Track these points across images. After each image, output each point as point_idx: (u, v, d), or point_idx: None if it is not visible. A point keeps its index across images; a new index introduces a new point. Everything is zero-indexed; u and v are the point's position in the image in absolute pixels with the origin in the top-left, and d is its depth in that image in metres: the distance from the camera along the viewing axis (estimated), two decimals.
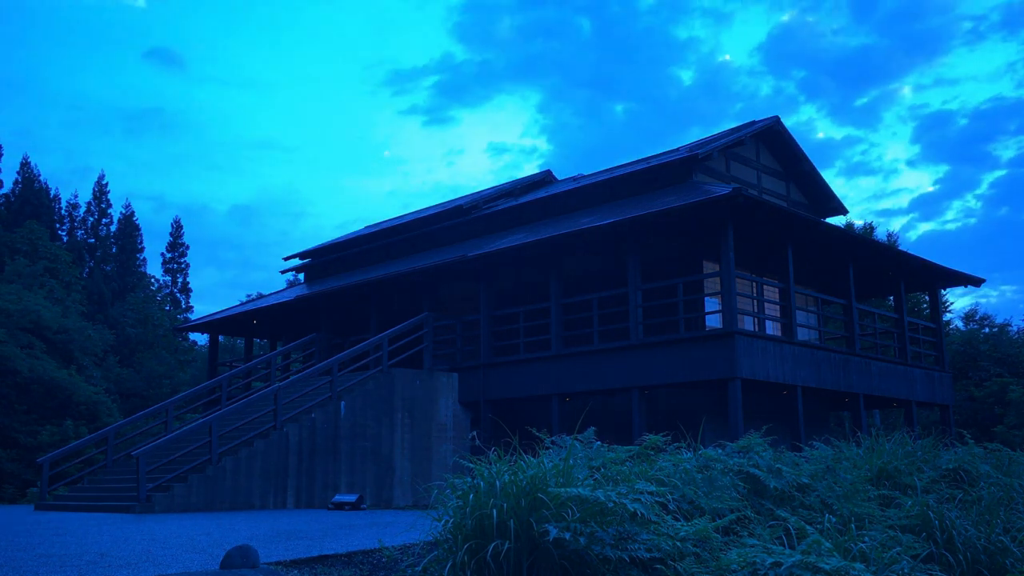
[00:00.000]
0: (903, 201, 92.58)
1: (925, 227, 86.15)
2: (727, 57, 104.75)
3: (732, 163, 19.85)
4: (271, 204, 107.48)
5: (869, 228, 35.29)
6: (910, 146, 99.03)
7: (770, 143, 20.87)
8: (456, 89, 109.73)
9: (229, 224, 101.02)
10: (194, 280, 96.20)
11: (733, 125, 21.90)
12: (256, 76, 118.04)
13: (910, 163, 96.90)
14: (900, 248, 25.08)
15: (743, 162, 20.17)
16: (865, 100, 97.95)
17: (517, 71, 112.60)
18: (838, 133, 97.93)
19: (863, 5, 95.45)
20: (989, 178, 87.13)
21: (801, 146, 21.03)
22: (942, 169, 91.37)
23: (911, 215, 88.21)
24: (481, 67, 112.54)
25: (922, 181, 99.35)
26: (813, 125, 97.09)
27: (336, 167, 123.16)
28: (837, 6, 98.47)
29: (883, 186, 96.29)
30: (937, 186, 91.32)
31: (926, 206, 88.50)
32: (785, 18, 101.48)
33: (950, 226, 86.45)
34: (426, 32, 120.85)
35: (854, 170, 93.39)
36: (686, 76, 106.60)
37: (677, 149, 20.58)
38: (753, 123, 20.78)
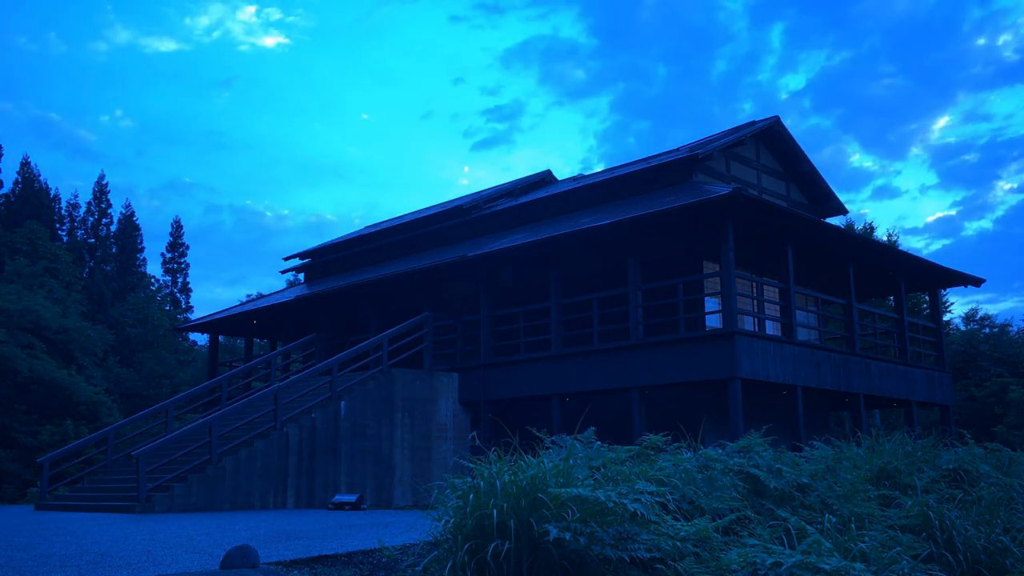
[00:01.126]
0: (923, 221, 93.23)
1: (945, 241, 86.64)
2: (784, 96, 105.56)
3: (732, 163, 19.85)
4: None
5: (869, 228, 35.29)
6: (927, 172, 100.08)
7: (770, 143, 20.87)
8: (514, 115, 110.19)
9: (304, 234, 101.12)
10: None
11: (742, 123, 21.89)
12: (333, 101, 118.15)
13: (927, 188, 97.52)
14: (900, 248, 25.08)
15: (743, 162, 20.18)
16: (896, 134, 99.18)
17: (581, 100, 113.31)
18: (869, 162, 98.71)
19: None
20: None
21: (803, 149, 21.04)
22: (960, 194, 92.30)
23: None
24: (548, 97, 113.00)
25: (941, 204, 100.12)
26: (846, 154, 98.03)
27: (416, 193, 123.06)
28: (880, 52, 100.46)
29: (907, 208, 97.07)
30: (956, 208, 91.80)
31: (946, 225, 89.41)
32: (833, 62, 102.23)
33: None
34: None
35: (881, 192, 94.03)
36: (746, 107, 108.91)
37: (677, 149, 20.58)
38: (753, 123, 20.78)
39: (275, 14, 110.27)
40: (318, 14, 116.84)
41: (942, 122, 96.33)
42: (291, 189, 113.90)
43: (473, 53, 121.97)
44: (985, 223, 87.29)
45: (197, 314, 50.34)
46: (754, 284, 17.11)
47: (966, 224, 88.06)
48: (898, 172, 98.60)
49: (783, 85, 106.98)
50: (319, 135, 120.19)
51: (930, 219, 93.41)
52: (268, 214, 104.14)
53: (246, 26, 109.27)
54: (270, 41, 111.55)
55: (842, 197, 21.15)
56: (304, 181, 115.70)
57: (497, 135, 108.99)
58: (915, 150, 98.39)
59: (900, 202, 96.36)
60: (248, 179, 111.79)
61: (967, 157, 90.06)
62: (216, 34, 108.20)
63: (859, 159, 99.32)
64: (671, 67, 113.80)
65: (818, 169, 21.37)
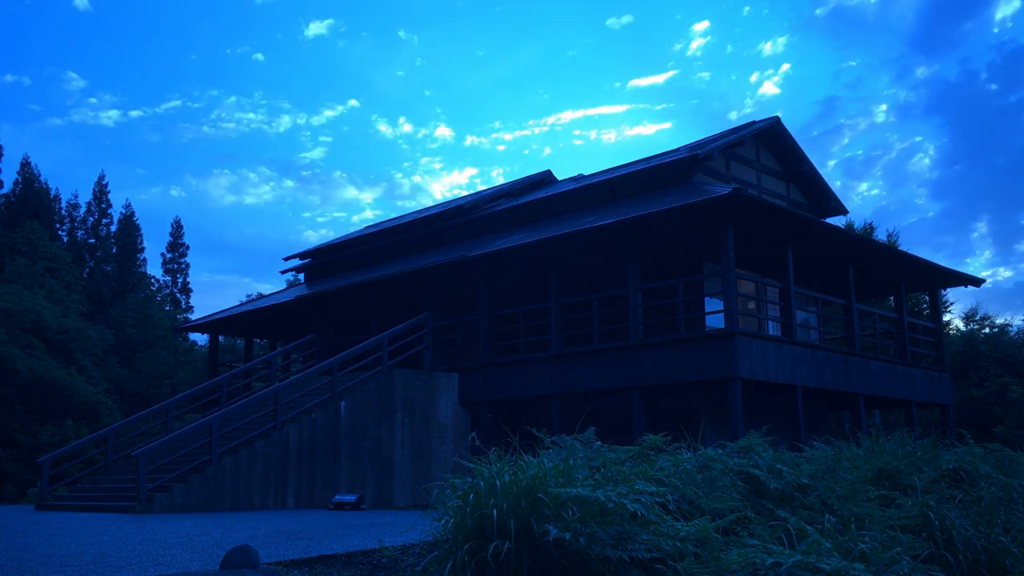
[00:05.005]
0: None
1: None
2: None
3: (732, 163, 19.85)
4: None
5: (869, 228, 35.27)
6: None
7: (770, 143, 20.88)
8: None
9: None
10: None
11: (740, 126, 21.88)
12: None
13: None
14: (900, 248, 25.08)
15: (743, 162, 20.18)
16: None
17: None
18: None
19: None
20: None
21: (803, 148, 21.05)
22: None
23: None
24: None
25: None
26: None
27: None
28: None
29: None
30: None
31: None
32: None
33: None
34: None
35: None
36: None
37: (677, 149, 20.59)
38: (753, 123, 20.79)
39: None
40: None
41: None
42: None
43: None
44: None
45: (197, 313, 50.38)
46: (754, 284, 17.12)
47: None
48: None
49: None
50: None
51: None
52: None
53: None
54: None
55: None
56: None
57: None
58: None
59: None
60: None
61: None
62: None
63: None
64: None
65: (818, 169, 21.39)
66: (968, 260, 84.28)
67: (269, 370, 21.77)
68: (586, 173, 23.83)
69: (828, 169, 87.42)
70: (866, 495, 7.32)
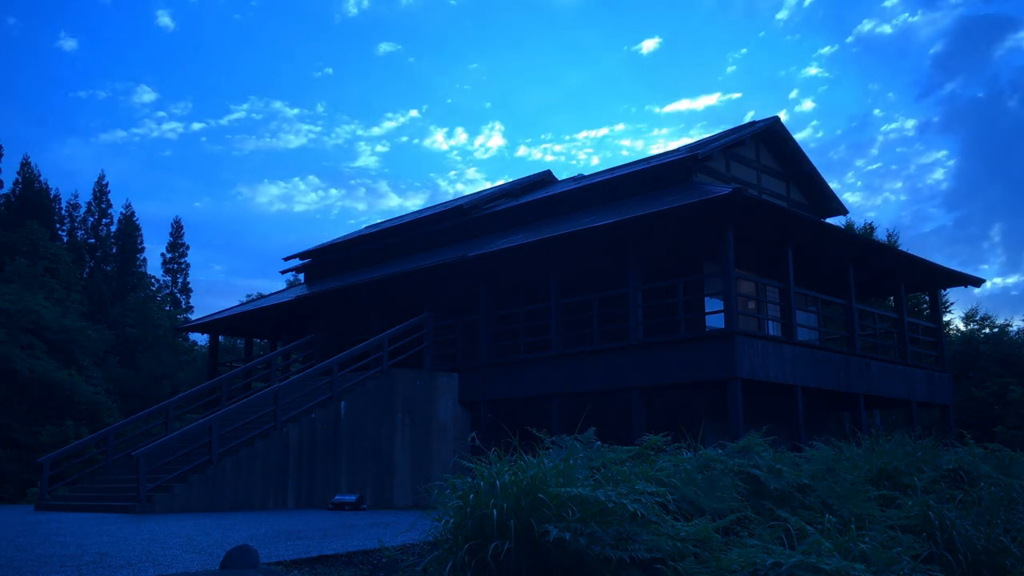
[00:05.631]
0: None
1: None
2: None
3: (732, 163, 19.85)
4: None
5: (869, 228, 35.27)
6: None
7: (770, 143, 20.87)
8: None
9: None
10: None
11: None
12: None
13: None
14: (900, 248, 25.07)
15: (743, 162, 20.17)
16: None
17: None
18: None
19: None
20: None
21: (802, 147, 21.04)
22: None
23: None
24: None
25: None
26: None
27: None
28: None
29: None
30: None
31: None
32: None
33: None
34: None
35: None
36: None
37: (677, 149, 20.59)
38: (753, 123, 20.79)
39: None
40: None
41: None
42: None
43: None
44: None
45: (197, 313, 50.36)
46: (754, 284, 17.11)
47: None
48: None
49: None
50: None
51: None
52: None
53: None
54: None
55: None
56: None
57: None
58: None
59: None
60: None
61: None
62: None
63: None
64: None
65: (818, 170, 21.39)
66: (983, 267, 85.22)
67: (269, 370, 21.77)
68: (586, 173, 23.83)
69: (848, 180, 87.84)
70: (866, 495, 7.32)
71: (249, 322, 24.85)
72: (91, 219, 49.77)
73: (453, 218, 22.74)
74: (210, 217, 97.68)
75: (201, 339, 45.91)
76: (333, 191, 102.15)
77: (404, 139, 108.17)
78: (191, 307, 52.63)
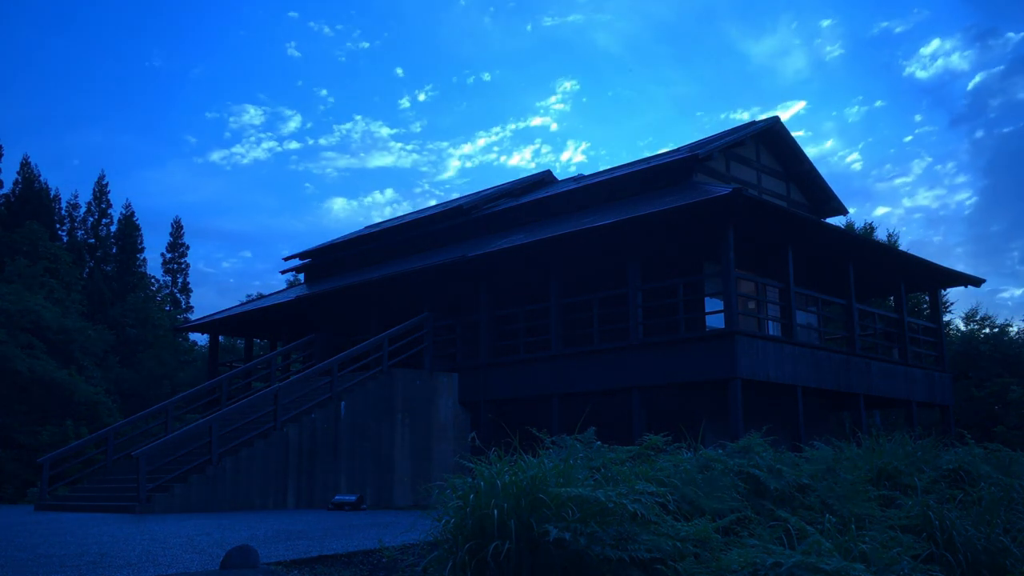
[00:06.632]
0: None
1: None
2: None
3: (732, 163, 19.85)
4: None
5: (869, 228, 35.29)
6: None
7: (770, 143, 20.87)
8: None
9: None
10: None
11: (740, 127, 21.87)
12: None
13: None
14: (900, 248, 25.08)
15: (743, 162, 20.17)
16: None
17: None
18: None
19: None
20: None
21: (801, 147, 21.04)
22: None
23: None
24: None
25: None
26: None
27: None
28: None
29: None
30: None
31: None
32: None
33: None
34: None
35: None
36: None
37: (678, 149, 20.58)
38: (753, 123, 20.78)
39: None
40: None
41: None
42: None
43: None
44: None
45: (197, 313, 50.36)
46: (754, 284, 17.11)
47: None
48: None
49: None
50: None
51: None
52: None
53: None
54: None
55: None
56: None
57: None
58: None
59: None
60: None
61: None
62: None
63: None
64: None
65: (817, 169, 21.39)
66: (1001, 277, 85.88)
67: (269, 370, 21.76)
68: (586, 173, 23.82)
69: (879, 198, 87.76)
70: (866, 495, 7.32)
71: (249, 322, 24.85)
72: (91, 219, 49.76)
73: (453, 218, 22.74)
74: (289, 232, 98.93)
75: (201, 339, 45.96)
76: (405, 204, 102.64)
77: (491, 157, 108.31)
78: (191, 307, 52.65)
